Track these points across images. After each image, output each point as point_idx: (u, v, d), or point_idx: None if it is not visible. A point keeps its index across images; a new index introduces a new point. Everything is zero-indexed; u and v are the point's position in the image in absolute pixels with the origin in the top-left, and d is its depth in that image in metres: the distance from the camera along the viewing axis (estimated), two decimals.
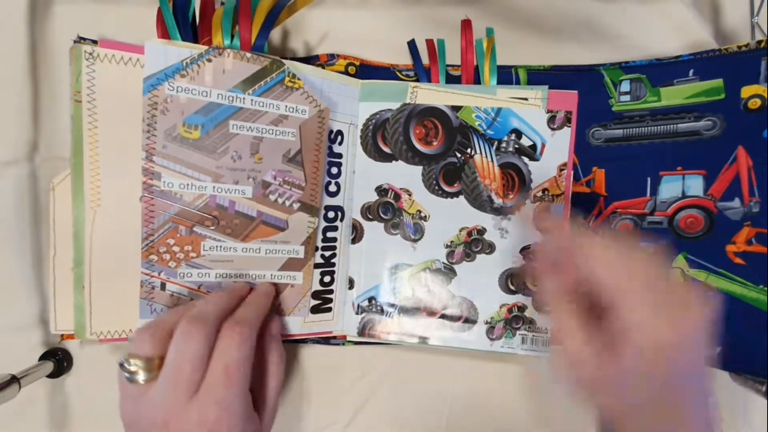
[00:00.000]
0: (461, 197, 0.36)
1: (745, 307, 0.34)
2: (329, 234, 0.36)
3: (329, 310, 0.36)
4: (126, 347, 0.36)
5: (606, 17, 0.37)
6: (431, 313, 0.36)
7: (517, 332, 0.36)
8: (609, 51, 0.36)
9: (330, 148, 0.34)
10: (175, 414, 0.24)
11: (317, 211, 0.34)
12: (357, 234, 0.36)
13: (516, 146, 0.35)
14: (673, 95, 0.35)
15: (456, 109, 0.35)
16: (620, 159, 0.36)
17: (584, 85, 0.35)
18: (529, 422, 0.37)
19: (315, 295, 0.35)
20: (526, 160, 0.35)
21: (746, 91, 0.33)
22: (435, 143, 0.35)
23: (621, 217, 0.36)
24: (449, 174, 0.36)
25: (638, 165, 0.35)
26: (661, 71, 0.35)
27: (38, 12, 0.34)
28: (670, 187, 0.35)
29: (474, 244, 0.36)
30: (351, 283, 0.37)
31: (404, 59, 0.37)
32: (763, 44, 0.33)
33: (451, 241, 0.36)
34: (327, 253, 0.36)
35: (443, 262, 0.36)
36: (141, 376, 0.24)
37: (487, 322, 0.36)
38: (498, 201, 0.35)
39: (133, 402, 0.25)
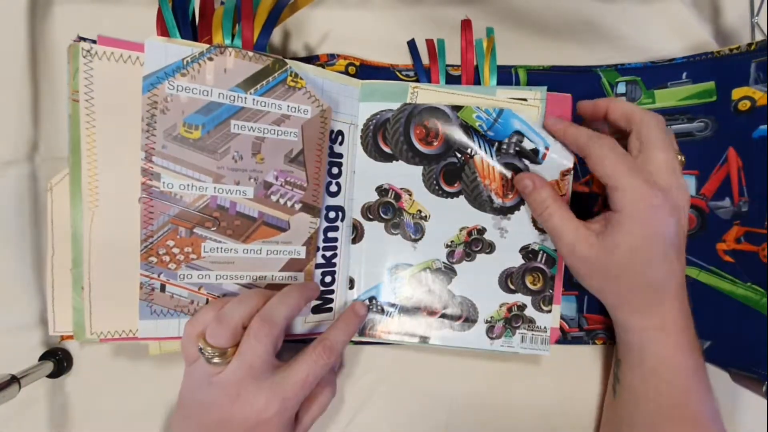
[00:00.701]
0: (461, 197, 0.36)
1: (734, 304, 0.35)
2: (330, 234, 0.36)
3: (330, 310, 0.36)
4: (126, 347, 0.36)
5: (606, 17, 0.37)
6: (431, 312, 0.36)
7: (517, 331, 0.36)
8: (609, 51, 0.37)
9: (331, 148, 0.34)
10: (246, 391, 0.28)
11: (319, 211, 0.34)
12: (357, 234, 0.37)
13: (517, 149, 0.34)
14: (667, 97, 0.36)
15: (456, 109, 0.35)
16: None
17: (583, 86, 0.36)
18: (529, 422, 0.38)
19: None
20: (526, 162, 0.35)
21: (736, 93, 0.34)
22: (435, 143, 0.35)
23: None
24: (449, 174, 0.36)
25: None
26: (655, 74, 0.36)
27: (38, 12, 0.34)
28: None
29: (474, 243, 0.36)
30: (351, 283, 0.37)
31: (404, 59, 0.37)
32: (753, 47, 0.33)
33: (452, 241, 0.36)
34: (328, 254, 0.36)
35: (443, 262, 0.36)
36: (217, 360, 0.28)
37: (487, 321, 0.36)
38: (498, 201, 0.35)
39: (202, 381, 0.29)
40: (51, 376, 0.35)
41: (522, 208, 0.35)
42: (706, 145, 0.35)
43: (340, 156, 0.35)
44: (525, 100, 0.35)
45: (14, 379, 0.31)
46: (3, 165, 0.34)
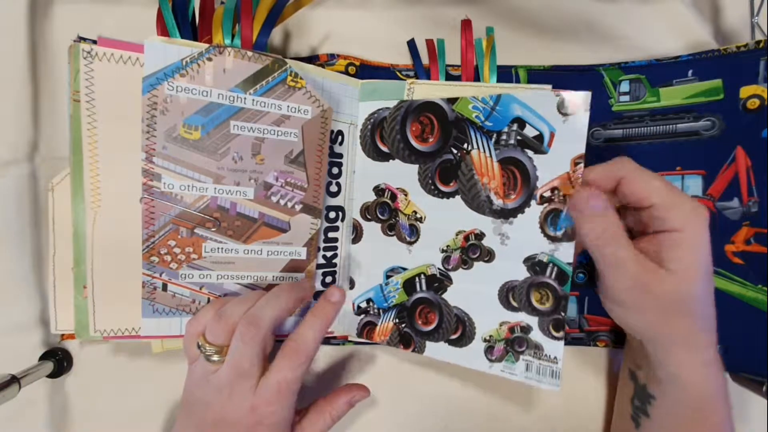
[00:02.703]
0: (458, 197, 0.33)
1: (744, 307, 0.34)
2: (330, 234, 0.35)
3: None
4: (126, 347, 0.36)
5: (606, 17, 0.37)
6: (426, 322, 0.34)
7: (521, 357, 0.31)
8: (609, 51, 0.36)
9: (331, 148, 0.34)
10: (237, 392, 0.28)
11: (319, 212, 0.34)
12: (357, 234, 0.36)
13: (518, 138, 0.30)
14: (672, 95, 0.35)
15: (452, 101, 0.32)
16: None
17: (584, 86, 0.35)
18: (529, 423, 0.37)
19: (316, 296, 0.35)
20: (530, 153, 0.30)
21: (745, 92, 0.33)
22: (431, 140, 0.33)
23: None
24: (445, 172, 0.33)
25: None
26: (660, 71, 0.35)
27: (38, 12, 0.34)
28: None
29: (471, 249, 0.32)
30: (352, 284, 0.37)
31: (404, 59, 0.37)
32: (761, 44, 0.33)
33: (447, 246, 0.33)
34: (328, 254, 0.36)
35: (438, 268, 0.33)
36: (215, 358, 0.29)
37: (485, 340, 0.32)
38: (498, 202, 0.31)
39: (201, 379, 0.29)
40: (51, 376, 0.35)
41: (527, 210, 0.30)
42: (712, 145, 0.34)
43: (340, 156, 0.35)
44: None
45: (14, 379, 0.31)
46: (3, 165, 0.34)
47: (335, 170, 0.35)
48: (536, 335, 0.31)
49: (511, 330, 0.31)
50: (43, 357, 0.35)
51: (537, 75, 0.36)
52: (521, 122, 0.30)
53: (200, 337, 0.29)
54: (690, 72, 0.35)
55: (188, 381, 0.30)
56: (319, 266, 0.35)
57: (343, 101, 0.34)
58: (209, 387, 0.29)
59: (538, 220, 0.30)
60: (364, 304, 0.36)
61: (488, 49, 0.35)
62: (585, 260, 0.36)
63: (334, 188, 0.35)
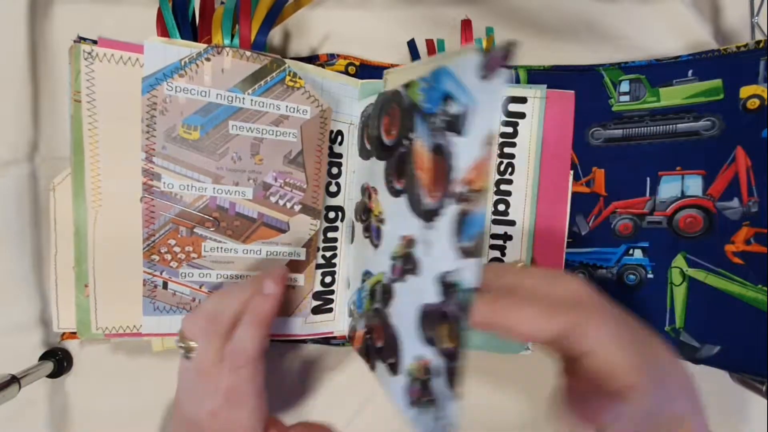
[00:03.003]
0: (404, 196, 0.27)
1: (744, 307, 0.34)
2: (330, 234, 0.35)
3: (330, 310, 0.36)
4: (125, 347, 0.36)
5: (606, 17, 0.37)
6: (379, 336, 0.29)
7: (428, 409, 0.23)
8: (609, 51, 0.36)
9: (330, 148, 0.34)
10: (202, 392, 0.27)
11: (319, 213, 0.34)
12: (353, 234, 0.36)
13: (445, 118, 0.23)
14: (673, 95, 0.35)
15: (407, 86, 0.27)
16: (620, 159, 0.36)
17: (584, 85, 0.35)
18: (522, 423, 0.37)
19: (316, 295, 0.35)
20: (452, 136, 0.22)
21: (745, 92, 0.33)
22: (393, 132, 0.28)
23: (620, 217, 0.36)
24: (400, 167, 0.28)
25: (638, 165, 0.36)
26: (660, 71, 0.35)
27: (38, 12, 0.34)
28: (669, 187, 0.35)
29: (407, 258, 0.26)
30: (349, 284, 0.36)
31: (404, 59, 0.37)
32: (761, 44, 0.33)
33: (395, 252, 0.27)
34: (328, 254, 0.36)
35: (389, 277, 0.28)
36: (191, 354, 0.27)
37: (408, 374, 0.25)
38: (426, 201, 0.24)
39: (181, 376, 0.28)
40: (51, 376, 0.35)
41: (443, 211, 0.23)
42: (712, 145, 0.34)
43: (340, 156, 0.35)
44: (525, 100, 0.34)
45: (14, 379, 0.31)
46: (3, 165, 0.34)
47: (335, 170, 0.35)
48: (439, 384, 0.22)
49: (425, 369, 0.24)
50: (43, 357, 0.35)
51: (537, 75, 0.36)
52: (450, 99, 0.23)
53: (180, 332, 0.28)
54: (690, 72, 0.35)
55: (178, 378, 0.29)
56: (318, 266, 0.35)
57: (342, 101, 0.34)
58: (186, 384, 0.28)
59: (452, 225, 0.22)
60: (352, 307, 0.35)
61: (488, 48, 0.35)
62: None
63: (333, 188, 0.35)
